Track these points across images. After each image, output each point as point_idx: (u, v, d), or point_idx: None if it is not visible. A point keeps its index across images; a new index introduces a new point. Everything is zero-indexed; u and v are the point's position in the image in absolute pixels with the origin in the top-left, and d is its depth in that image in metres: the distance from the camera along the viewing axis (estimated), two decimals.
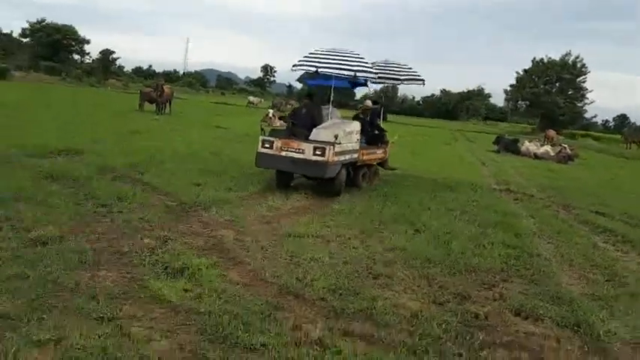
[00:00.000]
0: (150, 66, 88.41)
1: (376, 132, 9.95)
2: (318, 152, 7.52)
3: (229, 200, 6.84)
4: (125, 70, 76.18)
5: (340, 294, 4.02)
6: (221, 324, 3.26)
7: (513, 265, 5.33)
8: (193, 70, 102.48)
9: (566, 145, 22.24)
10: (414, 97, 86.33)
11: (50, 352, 2.76)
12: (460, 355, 3.25)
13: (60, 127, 12.69)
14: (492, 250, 5.71)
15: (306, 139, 7.94)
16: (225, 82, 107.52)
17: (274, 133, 8.78)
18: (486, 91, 80.00)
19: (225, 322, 3.29)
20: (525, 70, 54.94)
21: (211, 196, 6.82)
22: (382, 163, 9.91)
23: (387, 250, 5.37)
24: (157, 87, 22.13)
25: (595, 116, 60.54)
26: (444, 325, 3.65)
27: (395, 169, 10.56)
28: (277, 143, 7.70)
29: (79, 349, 2.80)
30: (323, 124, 8.34)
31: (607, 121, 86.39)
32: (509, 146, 21.60)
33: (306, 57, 8.19)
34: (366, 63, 8.34)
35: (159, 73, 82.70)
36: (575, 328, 3.90)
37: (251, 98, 45.24)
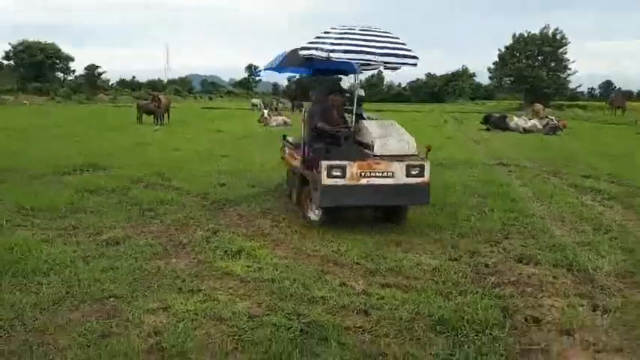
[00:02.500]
0: (133, 77, 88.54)
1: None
2: (414, 172, 5.77)
3: (256, 195, 7.62)
4: (110, 83, 76.44)
5: (371, 259, 4.85)
6: (284, 286, 4.07)
7: (513, 225, 6.19)
8: (177, 77, 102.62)
9: (552, 117, 23.21)
10: (399, 84, 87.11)
11: (162, 316, 3.56)
12: (477, 292, 4.07)
13: (73, 146, 13.36)
14: (493, 215, 6.57)
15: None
16: (210, 86, 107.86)
17: (290, 143, 7.41)
18: (471, 71, 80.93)
19: (286, 285, 4.11)
20: (507, 47, 55.82)
21: (239, 194, 7.62)
22: None
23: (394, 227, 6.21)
24: (154, 98, 22.77)
25: (580, 85, 61.39)
26: (460, 274, 4.49)
27: None
28: (353, 169, 5.61)
29: (184, 312, 3.59)
30: (370, 130, 6.16)
31: (593, 88, 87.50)
32: (498, 123, 22.44)
33: (318, 37, 6.08)
34: (401, 44, 6.05)
35: (143, 83, 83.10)
36: (568, 267, 4.75)
37: (254, 101, 44.75)
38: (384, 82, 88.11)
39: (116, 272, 4.32)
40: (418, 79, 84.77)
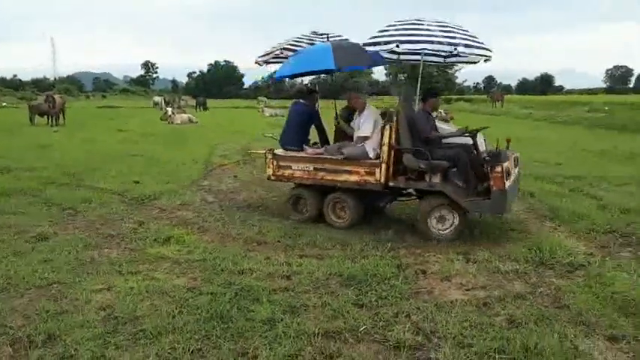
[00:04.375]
0: (15, 75, 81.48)
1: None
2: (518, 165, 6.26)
3: (172, 191, 7.98)
4: None
5: (290, 237, 5.55)
6: (215, 264, 4.64)
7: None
8: (65, 75, 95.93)
9: (441, 110, 25.48)
10: (302, 81, 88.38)
11: (108, 295, 3.97)
12: (377, 255, 4.92)
13: None
14: None
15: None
16: (103, 84, 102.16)
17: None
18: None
19: (217, 262, 4.68)
20: None
21: (155, 190, 7.92)
22: None
23: None
24: (47, 98, 21.58)
25: (465, 80, 67.14)
26: (364, 243, 5.33)
27: None
28: (505, 170, 5.39)
29: (127, 289, 4.03)
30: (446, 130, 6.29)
31: (477, 83, 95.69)
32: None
33: (382, 31, 6.00)
34: (473, 37, 5.96)
35: (27, 82, 76.73)
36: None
37: (156, 99, 43.53)
38: (286, 80, 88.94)
39: (53, 263, 4.61)
40: (320, 77, 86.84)
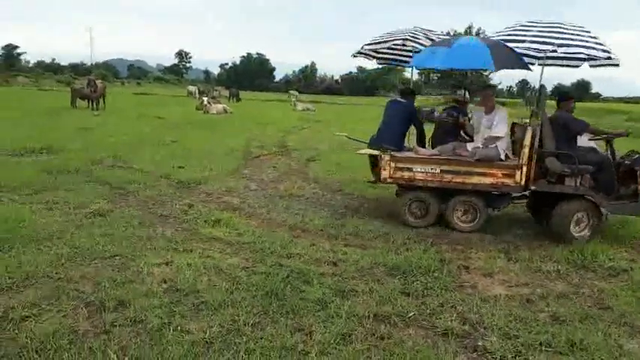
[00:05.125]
0: (53, 59, 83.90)
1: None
2: None
3: (216, 177, 8.26)
4: (30, 65, 71.92)
5: (333, 227, 5.73)
6: (265, 247, 4.86)
7: None
8: (102, 61, 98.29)
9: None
10: (332, 76, 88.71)
11: (167, 269, 4.22)
12: (420, 249, 5.06)
13: (15, 130, 13.15)
14: None
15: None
16: (137, 72, 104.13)
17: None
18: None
19: (266, 245, 4.90)
20: None
21: (200, 175, 8.21)
22: None
23: (354, 198, 7.16)
24: (89, 82, 22.26)
25: (500, 83, 66.35)
26: (406, 236, 5.47)
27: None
28: None
29: (186, 265, 4.27)
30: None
31: (511, 87, 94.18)
32: (429, 115, 24.14)
33: (522, 30, 6.05)
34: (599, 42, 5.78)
35: (65, 66, 78.93)
36: (491, 232, 5.89)
37: (191, 88, 44.59)
38: (317, 75, 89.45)
39: (112, 237, 4.90)
40: (351, 73, 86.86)
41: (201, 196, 6.95)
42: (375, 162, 6.49)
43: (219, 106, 24.34)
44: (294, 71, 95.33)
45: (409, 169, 5.89)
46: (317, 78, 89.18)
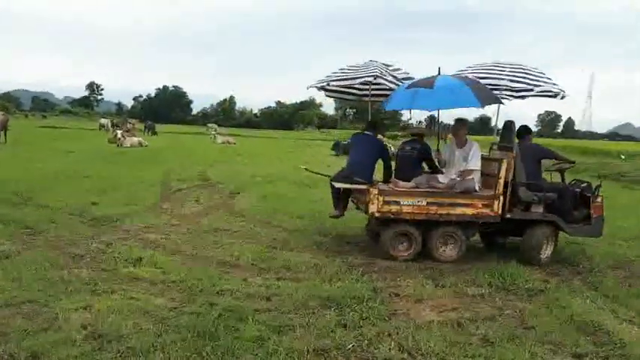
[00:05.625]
0: None
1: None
2: None
3: (134, 213, 7.83)
4: None
5: (263, 260, 5.61)
6: (193, 285, 4.62)
7: None
8: (2, 92, 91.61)
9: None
10: (251, 110, 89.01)
11: (87, 314, 3.86)
12: (352, 279, 5.07)
13: None
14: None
15: None
16: (43, 104, 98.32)
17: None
18: (317, 101, 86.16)
19: (194, 283, 4.66)
20: None
21: (116, 211, 7.74)
22: None
23: (282, 230, 7.09)
24: None
25: (410, 118, 69.64)
26: (336, 268, 5.47)
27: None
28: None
29: (107, 308, 3.94)
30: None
31: (420, 122, 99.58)
32: (346, 148, 25.12)
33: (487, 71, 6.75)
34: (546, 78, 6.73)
35: None
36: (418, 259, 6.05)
37: (103, 121, 42.83)
38: (236, 109, 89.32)
39: (21, 282, 4.44)
40: (269, 107, 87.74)
41: (119, 234, 6.53)
42: (339, 196, 6.53)
43: (134, 139, 23.44)
44: (212, 104, 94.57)
45: (397, 203, 5.89)
46: (236, 111, 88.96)
